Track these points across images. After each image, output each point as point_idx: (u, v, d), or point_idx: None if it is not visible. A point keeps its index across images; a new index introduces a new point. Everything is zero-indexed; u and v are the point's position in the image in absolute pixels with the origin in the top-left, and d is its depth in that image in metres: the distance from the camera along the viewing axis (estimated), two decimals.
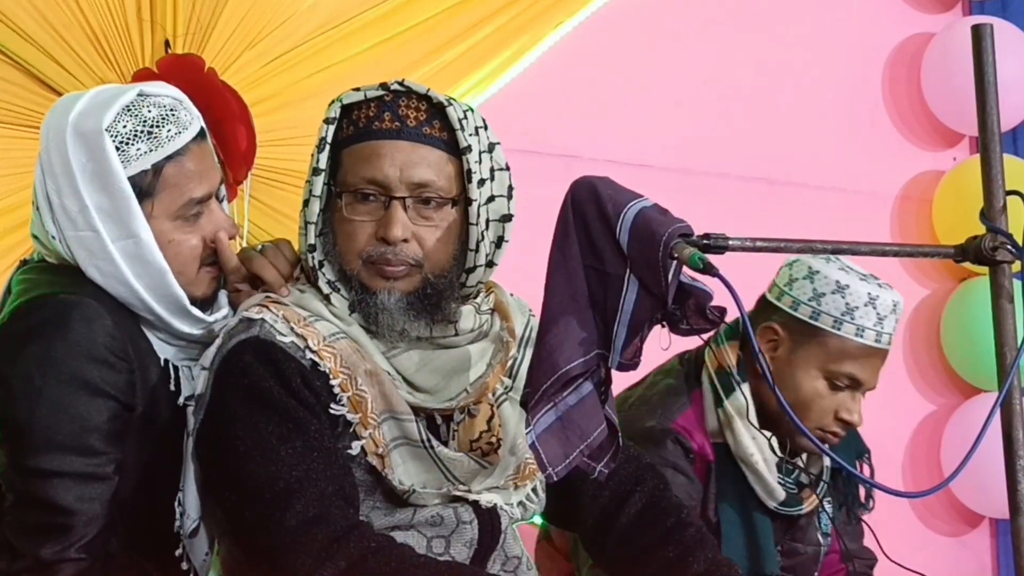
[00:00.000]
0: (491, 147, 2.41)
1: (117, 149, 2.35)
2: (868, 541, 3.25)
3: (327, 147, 2.36)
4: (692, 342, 2.49)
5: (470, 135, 2.36)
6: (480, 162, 2.37)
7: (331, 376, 2.31)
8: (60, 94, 3.47)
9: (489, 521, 2.39)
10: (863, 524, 3.22)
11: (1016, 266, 2.27)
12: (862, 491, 3.20)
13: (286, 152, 3.80)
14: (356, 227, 2.35)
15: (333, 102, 2.39)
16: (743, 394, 2.97)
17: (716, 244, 2.13)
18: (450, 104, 2.37)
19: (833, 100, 4.81)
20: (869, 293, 2.93)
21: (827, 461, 3.10)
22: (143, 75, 3.51)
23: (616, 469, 2.48)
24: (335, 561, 2.20)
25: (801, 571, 3.10)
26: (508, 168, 2.43)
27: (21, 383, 2.33)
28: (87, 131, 2.36)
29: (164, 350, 2.45)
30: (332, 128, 2.37)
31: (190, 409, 2.39)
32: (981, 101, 2.28)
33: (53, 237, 2.40)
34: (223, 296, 2.52)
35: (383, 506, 2.34)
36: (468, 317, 2.41)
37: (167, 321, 2.41)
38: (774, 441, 2.99)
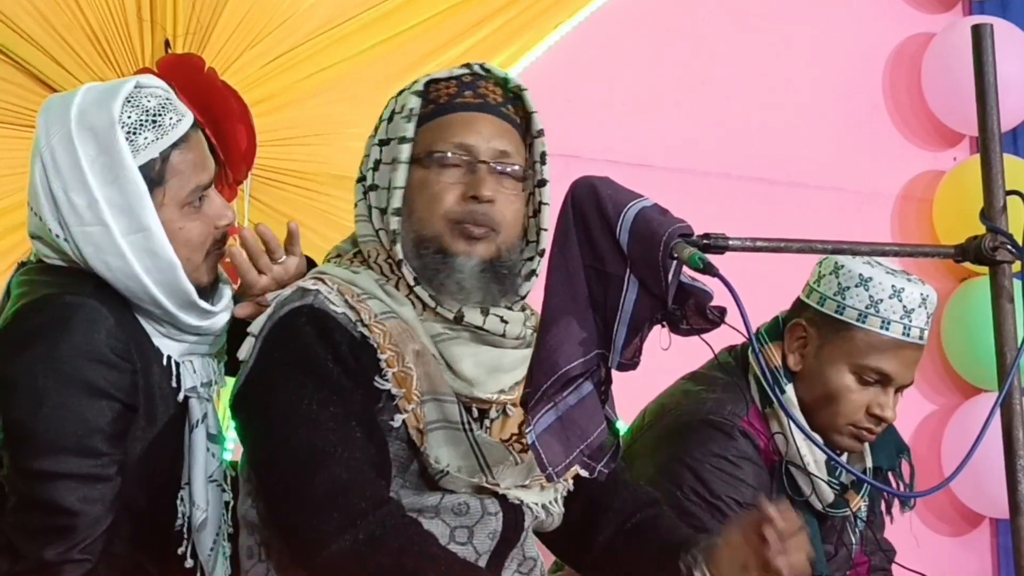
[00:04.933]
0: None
1: (128, 141, 2.36)
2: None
3: (415, 118, 2.42)
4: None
5: (541, 128, 2.47)
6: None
7: (379, 351, 2.34)
8: None
9: (514, 516, 2.41)
10: (882, 517, 3.22)
11: (1016, 266, 2.27)
12: (902, 488, 3.18)
13: (286, 152, 3.80)
14: (443, 189, 2.40)
15: (416, 81, 2.46)
16: (790, 395, 2.97)
17: (716, 244, 2.13)
18: (526, 90, 2.47)
19: (833, 100, 4.81)
20: (894, 285, 2.91)
21: (869, 462, 3.09)
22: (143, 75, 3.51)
23: (620, 505, 2.53)
24: (356, 531, 2.23)
25: (832, 572, 3.09)
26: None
27: (24, 385, 2.33)
28: (96, 125, 2.37)
29: (167, 346, 2.45)
30: (420, 101, 2.44)
31: (192, 401, 2.42)
32: (981, 101, 2.28)
33: (57, 236, 2.39)
34: (225, 288, 2.53)
35: (413, 486, 2.36)
36: (517, 324, 2.44)
37: (174, 315, 2.42)
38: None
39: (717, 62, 4.57)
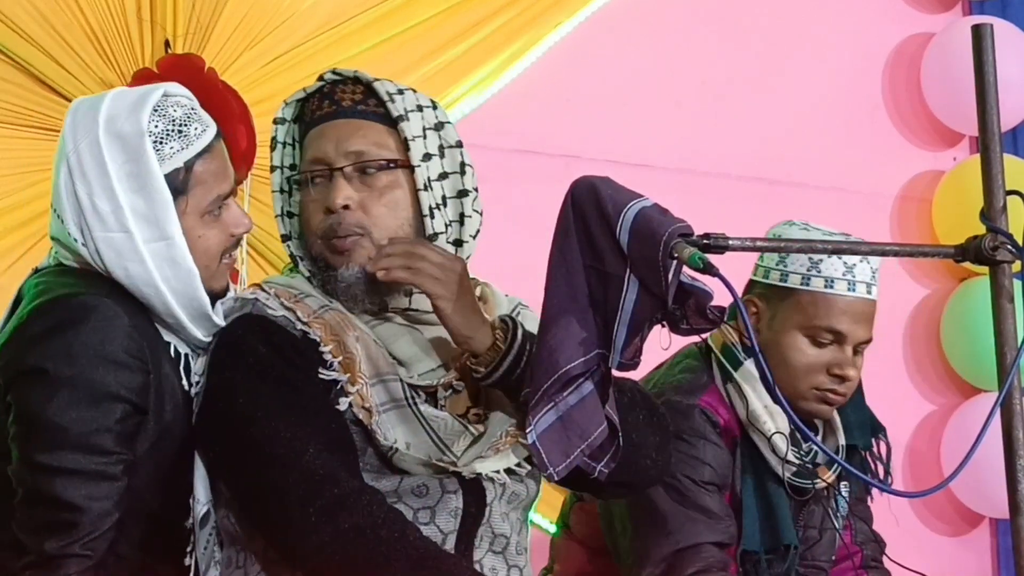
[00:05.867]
0: (439, 125, 2.50)
1: (155, 150, 2.40)
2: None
3: (278, 144, 2.51)
4: None
5: (409, 110, 2.46)
6: (425, 138, 2.46)
7: (321, 343, 2.37)
8: (60, 94, 3.48)
9: (474, 493, 2.40)
10: (870, 507, 3.23)
11: (1016, 266, 2.27)
12: (880, 469, 3.20)
13: None
14: (310, 209, 2.46)
15: (284, 104, 2.53)
16: (750, 367, 3.00)
17: (716, 244, 2.13)
18: (378, 80, 2.48)
19: (833, 100, 4.81)
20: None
21: (842, 439, 3.11)
22: (143, 75, 3.51)
23: None
24: (337, 521, 2.24)
25: (817, 556, 3.11)
26: (461, 146, 2.51)
27: (37, 380, 2.35)
28: (125, 133, 2.40)
29: (179, 345, 2.48)
30: (283, 128, 2.51)
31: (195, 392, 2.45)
32: (981, 101, 2.28)
33: (76, 240, 2.41)
34: (230, 293, 2.56)
35: (373, 469, 2.37)
36: None
37: (185, 326, 2.45)
38: (784, 418, 3.01)
39: (717, 62, 4.57)
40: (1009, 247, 2.21)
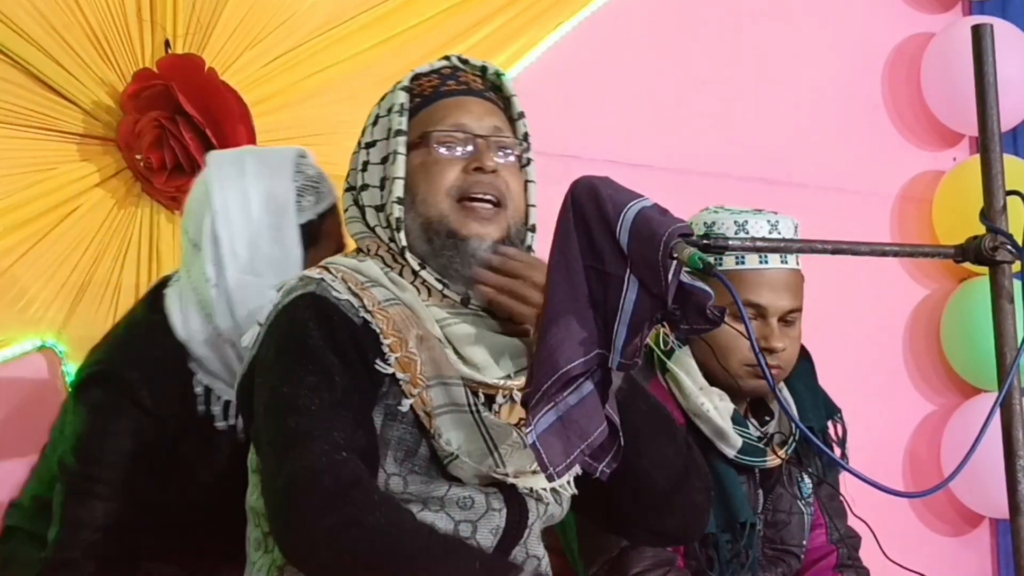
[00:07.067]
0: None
1: (296, 202, 2.71)
2: (868, 542, 3.25)
3: (406, 112, 2.46)
4: None
5: (520, 111, 2.55)
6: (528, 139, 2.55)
7: (382, 336, 2.35)
8: (60, 94, 3.48)
9: (518, 512, 2.41)
10: (845, 502, 3.23)
11: (1016, 266, 2.27)
12: (836, 450, 3.20)
13: None
14: (444, 165, 2.44)
15: (400, 80, 2.51)
16: (682, 354, 3.03)
17: (716, 244, 2.13)
18: (504, 74, 2.55)
19: (833, 100, 4.81)
20: (736, 221, 2.97)
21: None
22: (143, 75, 3.51)
23: None
24: (331, 516, 2.21)
25: (787, 539, 3.12)
26: None
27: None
28: (273, 191, 2.69)
29: (221, 390, 2.74)
30: (407, 95, 2.48)
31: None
32: (981, 101, 2.28)
33: (208, 280, 2.66)
34: None
35: (422, 471, 2.36)
36: None
37: None
38: (725, 399, 3.03)
39: (717, 62, 4.57)
40: (1009, 247, 2.22)
